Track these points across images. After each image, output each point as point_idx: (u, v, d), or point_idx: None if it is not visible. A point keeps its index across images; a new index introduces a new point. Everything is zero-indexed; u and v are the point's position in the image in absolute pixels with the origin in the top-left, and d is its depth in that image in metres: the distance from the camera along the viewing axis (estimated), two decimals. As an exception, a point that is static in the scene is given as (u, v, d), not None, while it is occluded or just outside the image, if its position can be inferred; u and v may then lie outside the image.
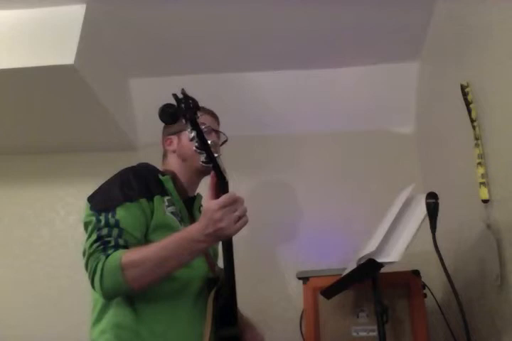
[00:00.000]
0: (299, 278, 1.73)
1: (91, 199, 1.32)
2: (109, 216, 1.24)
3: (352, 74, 2.32)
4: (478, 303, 1.58)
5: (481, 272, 1.54)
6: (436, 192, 1.33)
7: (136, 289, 1.17)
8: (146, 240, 1.28)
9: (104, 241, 1.20)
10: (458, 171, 1.77)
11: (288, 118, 2.40)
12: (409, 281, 1.63)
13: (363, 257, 1.40)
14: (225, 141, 1.59)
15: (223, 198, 1.11)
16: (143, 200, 1.30)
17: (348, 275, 1.47)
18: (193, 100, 1.09)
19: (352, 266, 1.47)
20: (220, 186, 1.17)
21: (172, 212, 1.36)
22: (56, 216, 2.42)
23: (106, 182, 1.36)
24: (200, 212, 1.49)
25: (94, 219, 1.25)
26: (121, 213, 1.25)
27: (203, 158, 1.13)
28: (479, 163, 1.48)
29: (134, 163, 1.43)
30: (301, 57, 2.25)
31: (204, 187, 1.31)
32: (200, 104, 1.43)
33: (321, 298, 1.61)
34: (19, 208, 2.45)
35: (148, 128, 2.18)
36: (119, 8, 1.96)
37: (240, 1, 1.94)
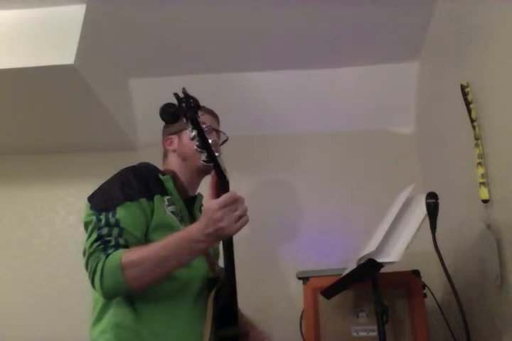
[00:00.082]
0: (299, 278, 1.73)
1: (91, 198, 1.32)
2: (110, 215, 1.24)
3: (352, 74, 2.32)
4: (478, 303, 1.57)
5: (481, 272, 1.54)
6: (436, 192, 1.33)
7: (136, 289, 1.17)
8: (146, 240, 1.28)
9: (104, 240, 1.20)
10: (458, 171, 1.77)
11: (288, 118, 2.40)
12: (409, 281, 1.63)
13: (363, 257, 1.40)
14: (226, 141, 1.59)
15: (224, 197, 1.11)
16: (143, 200, 1.30)
17: (348, 275, 1.47)
18: (194, 99, 1.09)
19: (352, 266, 1.47)
20: (221, 185, 1.17)
21: (172, 212, 1.36)
22: (56, 216, 2.42)
23: (106, 181, 1.36)
24: (200, 211, 1.49)
25: (94, 218, 1.25)
26: (121, 212, 1.25)
27: (203, 157, 1.12)
28: (479, 163, 1.48)
29: (134, 163, 1.43)
30: (301, 57, 2.25)
31: (205, 186, 1.31)
32: (201, 104, 1.44)
33: (321, 298, 1.61)
34: (19, 208, 2.45)
35: (148, 128, 2.18)
36: (119, 8, 1.96)
37: (240, 1, 1.94)
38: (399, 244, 1.39)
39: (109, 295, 1.21)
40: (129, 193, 1.29)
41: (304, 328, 1.68)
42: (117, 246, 1.19)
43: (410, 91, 2.33)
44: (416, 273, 1.64)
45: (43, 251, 2.35)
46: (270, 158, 2.42)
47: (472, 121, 1.53)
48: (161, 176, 1.41)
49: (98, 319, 1.28)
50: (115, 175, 1.36)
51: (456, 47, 1.77)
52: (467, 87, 1.58)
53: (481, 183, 1.45)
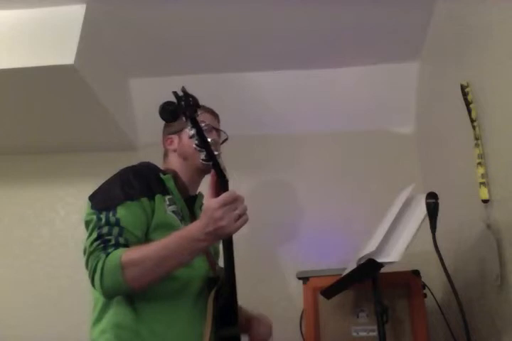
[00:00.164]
0: (299, 278, 1.73)
1: (92, 198, 1.32)
2: (110, 214, 1.24)
3: (352, 74, 2.32)
4: (478, 303, 1.57)
5: (481, 272, 1.54)
6: (436, 192, 1.33)
7: (136, 288, 1.17)
8: (146, 239, 1.28)
9: (104, 239, 1.20)
10: (458, 171, 1.77)
11: (288, 118, 2.40)
12: (409, 281, 1.63)
13: (363, 257, 1.40)
14: (226, 140, 1.59)
15: (223, 196, 1.11)
16: (144, 199, 1.30)
17: (348, 275, 1.47)
18: (193, 98, 1.08)
19: (352, 266, 1.47)
20: (220, 184, 1.17)
21: (173, 211, 1.36)
22: (56, 216, 2.42)
23: (107, 181, 1.36)
24: (201, 210, 1.48)
25: (94, 217, 1.25)
26: (121, 212, 1.25)
27: (202, 155, 1.12)
28: (479, 163, 1.48)
29: (134, 163, 1.43)
30: (301, 57, 2.25)
31: (205, 185, 1.31)
32: (201, 104, 1.44)
33: (321, 298, 1.61)
34: (19, 208, 2.45)
35: (148, 128, 2.18)
36: (119, 8, 1.96)
37: (240, 1, 1.94)
38: (399, 244, 1.39)
39: (109, 295, 1.21)
40: (129, 192, 1.29)
41: (304, 328, 1.68)
42: (117, 246, 1.19)
43: (410, 91, 2.33)
44: (416, 273, 1.64)
45: (43, 251, 2.35)
46: (270, 158, 2.42)
47: (472, 121, 1.53)
48: (161, 175, 1.41)
49: (98, 319, 1.28)
50: (116, 174, 1.36)
51: (456, 47, 1.77)
52: (467, 87, 1.58)
53: (481, 183, 1.45)
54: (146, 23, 2.06)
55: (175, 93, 1.07)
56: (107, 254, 1.16)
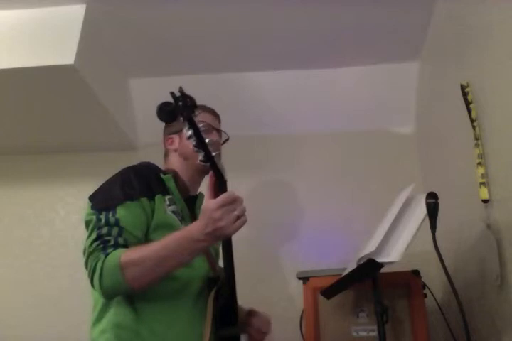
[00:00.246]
0: (299, 278, 1.73)
1: (92, 198, 1.32)
2: (110, 215, 1.24)
3: (352, 74, 2.32)
4: (478, 303, 1.57)
5: (481, 272, 1.54)
6: (436, 192, 1.33)
7: (136, 288, 1.17)
8: (146, 239, 1.28)
9: (103, 240, 1.20)
10: (458, 171, 1.77)
11: (288, 118, 2.40)
12: (409, 281, 1.63)
13: (363, 257, 1.40)
14: (227, 140, 1.59)
15: (222, 197, 1.10)
16: (144, 199, 1.30)
17: (348, 275, 1.47)
18: (191, 98, 1.08)
19: (352, 266, 1.47)
20: (219, 185, 1.16)
21: (173, 211, 1.36)
22: (56, 216, 2.42)
23: (107, 181, 1.36)
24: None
25: (94, 218, 1.25)
26: (121, 212, 1.25)
27: (200, 156, 1.12)
28: (479, 163, 1.48)
29: (134, 163, 1.43)
30: (301, 57, 2.25)
31: (205, 186, 1.31)
32: (201, 104, 1.44)
33: (321, 298, 1.61)
34: (19, 208, 2.45)
35: (148, 128, 2.18)
36: (119, 8, 1.96)
37: (240, 1, 1.94)
38: (399, 244, 1.39)
39: (108, 295, 1.21)
40: (129, 193, 1.29)
41: (304, 328, 1.68)
42: (116, 246, 1.19)
43: (410, 91, 2.33)
44: (416, 273, 1.64)
45: (43, 251, 2.35)
46: (270, 158, 2.42)
47: (472, 121, 1.53)
48: (162, 175, 1.41)
49: (98, 319, 1.28)
50: (116, 174, 1.36)
51: (456, 47, 1.77)
52: (467, 87, 1.58)
53: (481, 183, 1.45)
54: (146, 23, 2.05)
55: (172, 94, 1.07)
56: (106, 255, 1.16)
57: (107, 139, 2.38)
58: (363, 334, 1.62)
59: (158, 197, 1.33)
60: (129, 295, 1.24)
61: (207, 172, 1.39)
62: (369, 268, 1.39)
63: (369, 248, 1.40)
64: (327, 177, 2.34)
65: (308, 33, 2.10)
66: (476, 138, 1.51)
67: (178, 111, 1.06)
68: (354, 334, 1.62)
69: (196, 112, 1.09)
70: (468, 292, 1.63)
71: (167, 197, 1.36)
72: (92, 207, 1.29)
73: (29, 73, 1.90)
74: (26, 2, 1.93)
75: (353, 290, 1.64)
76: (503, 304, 1.39)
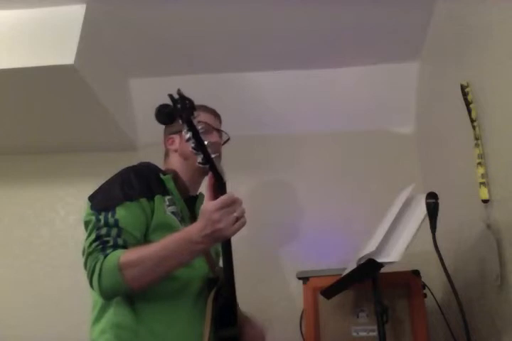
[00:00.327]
0: (299, 278, 1.73)
1: (92, 198, 1.32)
2: (109, 215, 1.24)
3: (352, 74, 2.32)
4: (478, 303, 1.57)
5: (481, 272, 1.54)
6: (436, 192, 1.33)
7: (135, 289, 1.17)
8: (146, 240, 1.28)
9: (102, 240, 1.20)
10: (458, 171, 1.77)
11: (288, 118, 2.40)
12: (409, 281, 1.63)
13: (363, 257, 1.40)
14: (228, 140, 1.59)
15: (221, 199, 1.10)
16: (143, 200, 1.30)
17: (348, 275, 1.47)
18: (190, 100, 1.08)
19: (352, 266, 1.47)
20: (218, 187, 1.16)
21: (172, 212, 1.36)
22: (56, 216, 2.42)
23: (107, 181, 1.36)
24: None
25: (93, 218, 1.25)
26: (121, 212, 1.25)
27: (199, 158, 1.11)
28: (479, 163, 1.48)
29: (134, 163, 1.43)
30: (301, 57, 2.25)
31: (204, 186, 1.31)
32: (202, 104, 1.44)
33: (321, 298, 1.61)
34: (19, 208, 2.45)
35: (148, 128, 2.17)
36: (119, 8, 1.96)
37: (240, 1, 1.94)
38: (399, 244, 1.39)
39: (107, 296, 1.21)
40: (129, 193, 1.29)
41: (304, 328, 1.68)
42: (116, 247, 1.19)
43: (410, 91, 2.33)
44: (416, 273, 1.64)
45: (43, 251, 2.35)
46: (270, 158, 2.42)
47: (472, 121, 1.53)
48: (162, 176, 1.41)
49: (98, 319, 1.28)
50: (116, 174, 1.36)
51: (456, 47, 1.77)
52: (467, 87, 1.58)
53: (481, 183, 1.45)
54: (146, 23, 2.05)
55: (171, 96, 1.07)
56: (106, 255, 1.16)
57: (107, 139, 2.38)
58: (363, 334, 1.61)
59: (157, 198, 1.33)
60: (128, 295, 1.24)
61: (207, 173, 1.38)
62: (369, 268, 1.39)
63: (369, 248, 1.40)
64: (327, 177, 2.34)
65: (308, 33, 2.10)
66: (476, 138, 1.51)
67: (176, 113, 1.06)
68: (354, 334, 1.62)
69: (195, 114, 1.08)
70: (468, 292, 1.63)
71: (167, 198, 1.36)
72: (92, 208, 1.29)
73: (29, 73, 1.90)
74: (26, 2, 1.93)
75: (353, 290, 1.64)
76: (503, 304, 1.39)
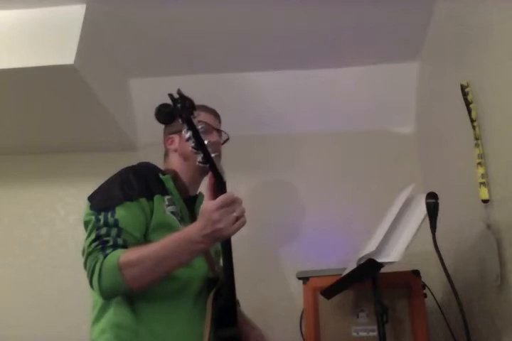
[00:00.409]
0: (299, 278, 1.73)
1: (91, 198, 1.32)
2: (109, 215, 1.24)
3: (352, 74, 2.32)
4: (478, 303, 1.57)
5: (481, 272, 1.54)
6: (436, 192, 1.33)
7: (135, 289, 1.17)
8: (145, 240, 1.28)
9: (102, 240, 1.20)
10: (458, 171, 1.77)
11: (288, 118, 2.40)
12: (409, 281, 1.63)
13: (363, 257, 1.40)
14: (227, 140, 1.59)
15: (221, 199, 1.10)
16: (142, 200, 1.30)
17: (348, 275, 1.47)
18: (189, 100, 1.08)
19: (352, 266, 1.47)
20: (218, 186, 1.16)
21: (172, 212, 1.36)
22: (56, 216, 2.42)
23: (106, 181, 1.36)
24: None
25: (93, 218, 1.25)
26: (120, 212, 1.25)
27: (199, 158, 1.11)
28: (479, 163, 1.48)
29: (134, 163, 1.43)
30: (301, 57, 2.25)
31: (204, 186, 1.31)
32: (202, 104, 1.44)
33: (321, 298, 1.61)
34: (19, 208, 2.44)
35: (148, 128, 2.17)
36: (119, 8, 1.96)
37: (240, 1, 1.94)
38: (399, 244, 1.39)
39: (107, 296, 1.21)
40: (128, 193, 1.29)
41: (304, 328, 1.68)
42: (115, 247, 1.19)
43: (410, 91, 2.33)
44: (416, 273, 1.64)
45: (43, 251, 2.35)
46: (270, 158, 2.42)
47: (472, 121, 1.53)
48: (161, 176, 1.41)
49: (97, 319, 1.28)
50: (115, 174, 1.36)
51: (456, 47, 1.77)
52: (467, 87, 1.58)
53: (481, 183, 1.45)
54: (146, 23, 2.05)
55: (171, 95, 1.07)
56: (105, 255, 1.16)
57: (107, 139, 2.38)
58: (363, 334, 1.61)
59: (157, 198, 1.33)
60: (128, 295, 1.24)
61: (207, 173, 1.39)
62: (369, 268, 1.39)
63: (369, 248, 1.40)
64: (327, 177, 2.34)
65: (308, 33, 2.10)
66: (476, 138, 1.51)
67: (176, 112, 1.06)
68: (354, 334, 1.62)
69: (195, 113, 1.08)
70: (468, 292, 1.63)
71: (166, 198, 1.36)
72: (91, 208, 1.29)
73: (29, 73, 1.90)
74: (26, 2, 1.93)
75: (353, 290, 1.64)
76: (503, 304, 1.39)
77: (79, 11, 1.92)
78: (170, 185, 1.40)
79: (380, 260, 1.36)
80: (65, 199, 2.44)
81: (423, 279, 1.64)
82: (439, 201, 1.31)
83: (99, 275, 1.15)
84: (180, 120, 1.07)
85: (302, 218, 2.28)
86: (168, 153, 1.55)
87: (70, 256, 2.19)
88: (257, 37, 2.13)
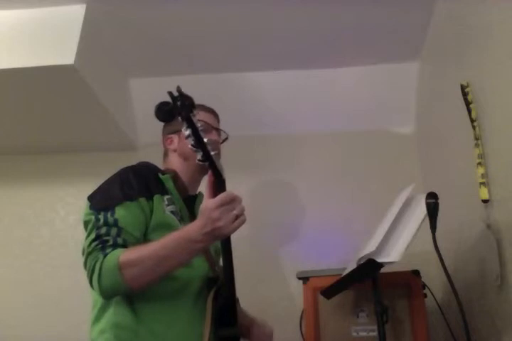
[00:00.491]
0: (299, 278, 1.73)
1: (91, 198, 1.32)
2: (108, 215, 1.24)
3: (352, 74, 2.32)
4: (478, 303, 1.57)
5: (481, 272, 1.54)
6: (436, 192, 1.33)
7: (135, 288, 1.17)
8: (145, 240, 1.27)
9: (102, 240, 1.20)
10: (458, 171, 1.77)
11: (288, 118, 2.40)
12: (409, 281, 1.63)
13: (363, 257, 1.40)
14: (226, 139, 1.59)
15: (220, 197, 1.10)
16: (142, 199, 1.30)
17: (348, 275, 1.47)
18: (189, 98, 1.08)
19: (352, 266, 1.47)
20: (218, 185, 1.16)
21: (172, 211, 1.36)
22: (56, 216, 2.42)
23: (106, 181, 1.36)
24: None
25: (93, 218, 1.25)
26: (120, 212, 1.25)
27: (199, 156, 1.11)
28: (479, 163, 1.48)
29: (134, 163, 1.43)
30: (301, 57, 2.25)
31: (202, 186, 1.31)
32: (201, 104, 1.43)
33: (321, 298, 1.61)
34: (19, 208, 2.45)
35: (148, 128, 2.17)
36: (119, 8, 1.96)
37: (240, 1, 1.94)
38: (399, 244, 1.39)
39: (107, 295, 1.21)
40: (128, 193, 1.29)
41: (304, 328, 1.68)
42: (115, 246, 1.19)
43: (410, 91, 2.33)
44: (416, 273, 1.64)
45: (43, 251, 2.35)
46: (270, 158, 2.42)
47: (472, 121, 1.53)
48: (160, 175, 1.41)
49: (97, 319, 1.28)
50: (115, 174, 1.36)
51: (456, 47, 1.77)
52: (467, 87, 1.58)
53: (481, 183, 1.45)
54: (146, 23, 2.05)
55: (170, 93, 1.07)
56: (105, 255, 1.16)
57: (107, 139, 2.38)
58: (363, 334, 1.61)
59: (156, 197, 1.33)
60: (128, 295, 1.24)
61: (206, 172, 1.39)
62: (369, 268, 1.39)
63: (369, 248, 1.40)
64: (327, 177, 2.34)
65: (308, 33, 2.10)
66: (476, 138, 1.51)
67: (176, 110, 1.06)
68: (354, 334, 1.62)
69: (195, 112, 1.08)
70: (468, 292, 1.63)
71: (166, 197, 1.36)
72: (91, 207, 1.29)
73: (29, 73, 1.90)
74: (26, 2, 1.93)
75: (353, 290, 1.64)
76: (503, 304, 1.39)
77: (79, 11, 1.92)
78: (169, 184, 1.40)
79: (380, 260, 1.36)
80: (65, 199, 2.44)
81: (423, 279, 1.64)
82: (439, 201, 1.31)
83: (99, 274, 1.15)
84: (179, 118, 1.07)
85: (302, 218, 2.28)
86: (168, 152, 1.55)
87: (70, 256, 2.20)
88: (257, 37, 2.13)
